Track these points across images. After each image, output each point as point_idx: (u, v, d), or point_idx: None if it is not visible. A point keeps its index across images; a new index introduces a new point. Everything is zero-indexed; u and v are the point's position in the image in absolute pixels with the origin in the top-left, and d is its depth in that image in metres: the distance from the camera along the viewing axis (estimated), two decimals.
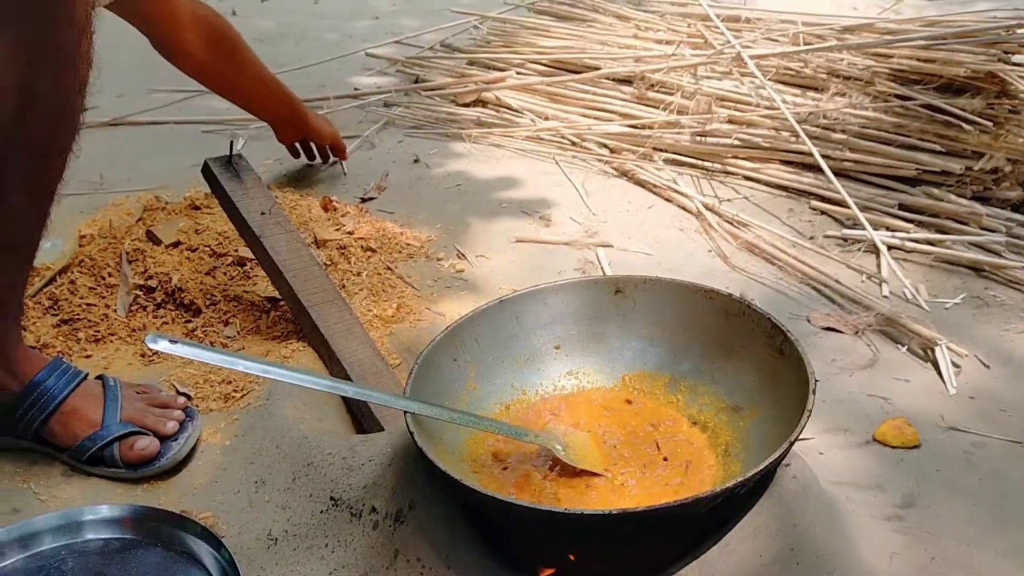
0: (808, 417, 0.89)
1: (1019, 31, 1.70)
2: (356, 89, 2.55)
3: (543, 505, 0.92)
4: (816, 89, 1.95)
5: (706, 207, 1.81)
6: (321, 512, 1.07)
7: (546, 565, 0.94)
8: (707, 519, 0.88)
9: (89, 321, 1.43)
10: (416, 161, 2.09)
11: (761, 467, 0.83)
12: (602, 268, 1.64)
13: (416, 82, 2.55)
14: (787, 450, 0.87)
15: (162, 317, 1.46)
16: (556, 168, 2.04)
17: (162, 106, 2.41)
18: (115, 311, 1.46)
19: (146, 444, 1.16)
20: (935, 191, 1.76)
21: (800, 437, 1.11)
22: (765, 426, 0.99)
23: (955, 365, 1.36)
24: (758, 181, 1.93)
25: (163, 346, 0.89)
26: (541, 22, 2.55)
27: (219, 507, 1.12)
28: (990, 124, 1.71)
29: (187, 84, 2.52)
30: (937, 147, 1.76)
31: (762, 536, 0.89)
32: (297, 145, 2.01)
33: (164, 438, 1.18)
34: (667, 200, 1.90)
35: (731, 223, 1.76)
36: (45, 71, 0.97)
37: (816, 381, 0.93)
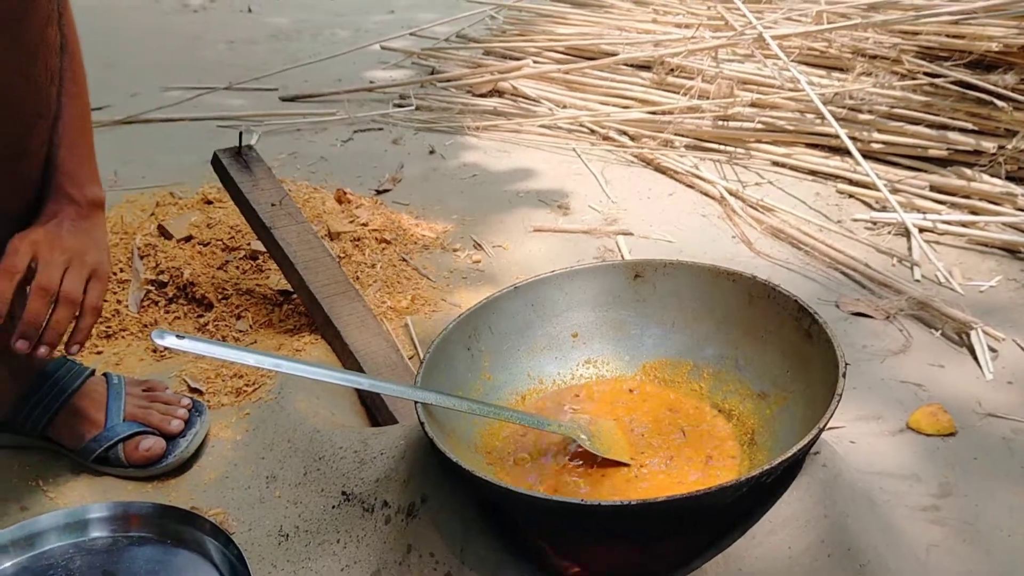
0: (838, 402, 0.84)
1: None
2: (372, 82, 2.53)
3: (560, 497, 0.87)
4: (841, 69, 1.89)
5: (729, 192, 1.76)
6: (333, 507, 1.04)
7: (571, 563, 0.91)
8: (732, 510, 0.83)
9: (101, 317, 1.40)
10: (432, 152, 2.06)
11: (789, 454, 0.79)
12: (622, 256, 1.60)
13: (432, 73, 2.52)
14: (816, 437, 0.82)
15: (174, 312, 1.44)
16: (574, 157, 2.00)
17: (176, 103, 2.40)
18: (127, 307, 1.43)
19: (151, 444, 1.13)
20: (967, 171, 1.70)
21: (830, 425, 1.06)
22: (793, 413, 0.95)
23: (991, 349, 1.31)
24: (783, 165, 1.87)
25: (170, 342, 0.86)
26: (558, 9, 2.51)
27: (229, 503, 1.10)
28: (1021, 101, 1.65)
29: (200, 81, 2.52)
30: (969, 126, 1.70)
31: (791, 527, 0.84)
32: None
33: (170, 436, 1.15)
34: (689, 186, 1.85)
35: (755, 208, 1.71)
36: (10, 66, 0.94)
37: (846, 365, 0.88)
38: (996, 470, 1.11)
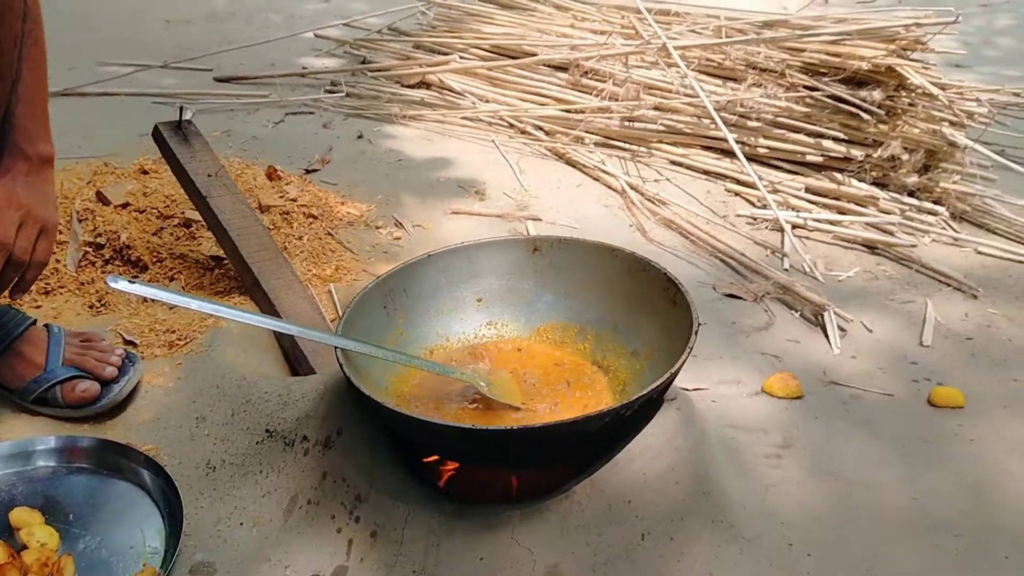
0: (689, 353, 1.01)
1: (916, 29, 1.86)
2: (304, 68, 2.64)
3: (454, 422, 1.03)
4: (735, 80, 2.09)
5: (630, 186, 1.94)
6: (257, 443, 1.17)
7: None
8: (598, 439, 1.00)
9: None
10: (360, 137, 2.19)
11: (644, 392, 0.95)
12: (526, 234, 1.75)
13: (363, 63, 2.64)
14: (669, 380, 0.99)
15: (110, 271, 1.54)
16: (493, 148, 2.16)
17: (111, 78, 2.47)
18: (65, 266, 1.53)
19: (87, 387, 1.24)
20: (838, 176, 1.91)
21: (696, 387, 1.25)
22: (658, 367, 1.11)
23: (841, 329, 1.51)
24: (680, 164, 2.06)
25: (123, 285, 0.98)
26: (485, 9, 2.66)
27: (162, 440, 1.21)
28: (884, 114, 1.86)
29: (136, 58, 2.59)
30: (841, 135, 1.92)
31: (646, 457, 1.01)
32: None
33: (105, 382, 1.26)
34: (595, 179, 2.02)
35: (652, 201, 1.89)
36: None
37: (700, 324, 1.05)
38: (833, 428, 1.31)
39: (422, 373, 1.15)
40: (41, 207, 1.16)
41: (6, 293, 1.15)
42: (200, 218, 1.57)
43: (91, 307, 1.48)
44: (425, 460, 1.06)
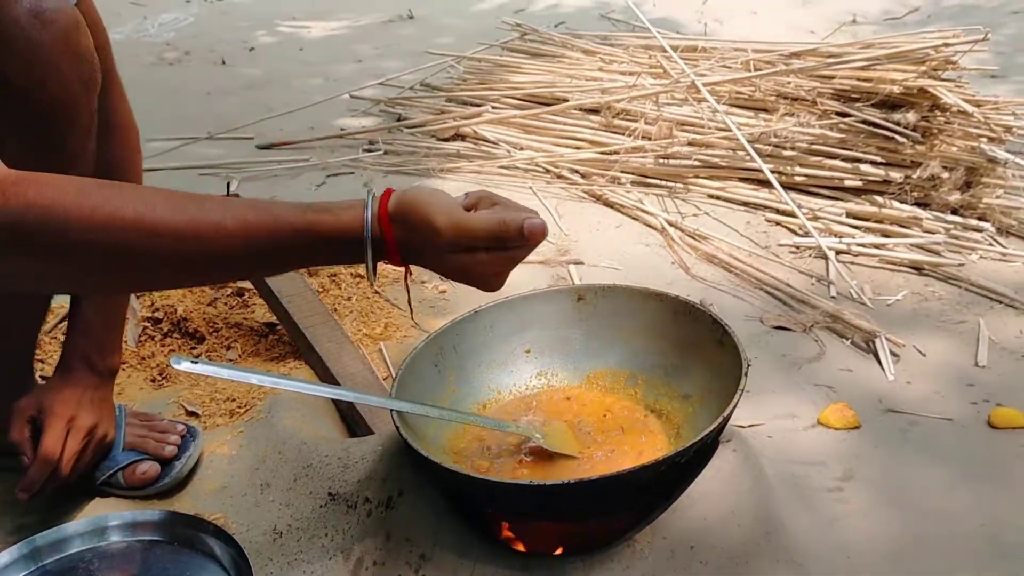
0: (741, 395, 1.01)
1: (945, 50, 1.85)
2: (342, 129, 2.70)
3: (513, 479, 1.04)
4: (767, 110, 2.10)
5: (669, 223, 1.95)
6: (321, 507, 1.19)
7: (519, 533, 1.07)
8: (656, 487, 1.00)
9: None
10: None
11: (699, 438, 0.96)
12: (573, 283, 1.78)
13: (398, 120, 2.70)
14: (724, 422, 0.99)
15: (169, 345, 1.59)
16: (531, 194, 2.19)
17: (158, 154, 2.55)
18: (126, 342, 1.58)
19: (147, 468, 1.28)
20: (879, 199, 1.90)
21: (751, 423, 1.25)
22: (711, 409, 1.12)
23: (894, 355, 1.50)
24: (718, 198, 2.07)
25: (186, 367, 1.01)
26: (514, 59, 2.71)
27: (228, 509, 1.25)
28: (920, 136, 1.86)
29: (181, 131, 2.68)
30: (878, 159, 1.91)
31: (706, 501, 1.02)
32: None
33: (165, 460, 1.29)
34: (634, 219, 2.04)
35: (692, 237, 1.90)
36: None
37: (748, 365, 1.06)
38: (893, 457, 1.29)
39: (476, 428, 1.17)
40: (99, 425, 1.22)
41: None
42: (252, 286, 1.62)
43: (153, 381, 1.52)
44: (487, 515, 1.07)
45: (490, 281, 0.91)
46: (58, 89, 1.01)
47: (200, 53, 3.72)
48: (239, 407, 1.43)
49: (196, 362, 1.01)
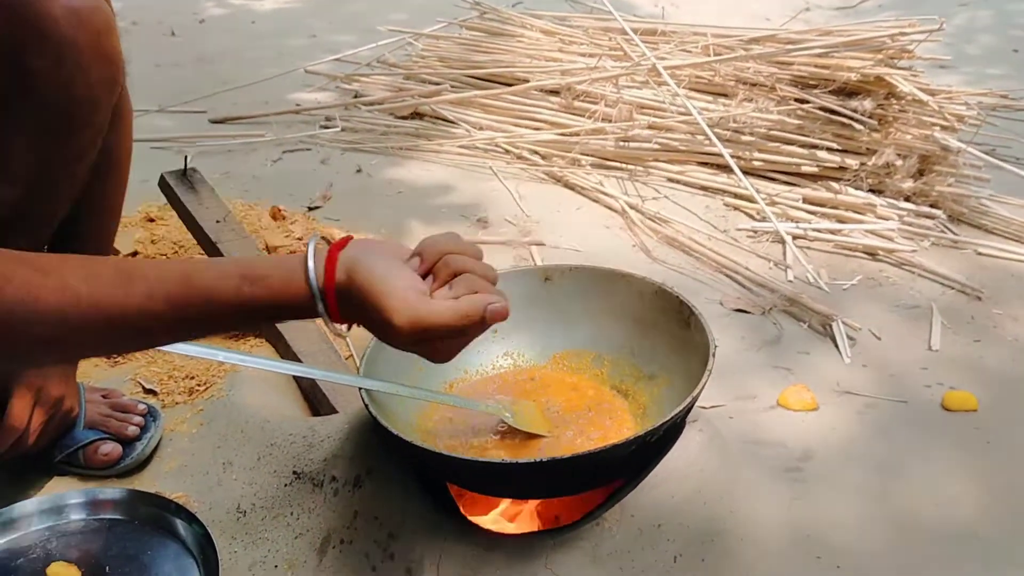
0: (708, 376, 1.03)
1: (901, 38, 1.89)
2: (298, 105, 2.66)
3: (484, 457, 1.04)
4: (726, 95, 2.12)
5: (630, 206, 1.96)
6: (285, 485, 1.18)
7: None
8: (625, 466, 1.01)
9: None
10: (358, 171, 2.21)
11: (667, 418, 0.97)
12: (535, 263, 1.78)
13: (355, 97, 2.67)
14: (691, 403, 1.01)
15: None
16: (491, 175, 2.18)
17: None
18: None
19: (109, 449, 1.25)
20: (835, 185, 1.94)
21: (713, 404, 1.27)
22: (677, 389, 1.13)
23: (850, 338, 1.53)
24: (677, 181, 2.09)
25: None
26: (473, 37, 2.69)
27: (190, 487, 1.23)
28: (876, 123, 1.90)
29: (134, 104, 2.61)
30: (835, 145, 1.95)
31: (673, 480, 1.03)
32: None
33: (127, 441, 1.27)
34: (594, 201, 2.05)
35: (653, 220, 1.91)
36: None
37: (716, 347, 1.07)
38: (850, 438, 1.33)
39: (444, 407, 1.16)
40: (67, 398, 1.20)
41: None
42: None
43: (109, 357, 1.49)
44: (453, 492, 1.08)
45: (443, 358, 0.89)
46: (83, 91, 1.00)
47: (148, 24, 3.62)
48: (198, 385, 1.40)
49: None
